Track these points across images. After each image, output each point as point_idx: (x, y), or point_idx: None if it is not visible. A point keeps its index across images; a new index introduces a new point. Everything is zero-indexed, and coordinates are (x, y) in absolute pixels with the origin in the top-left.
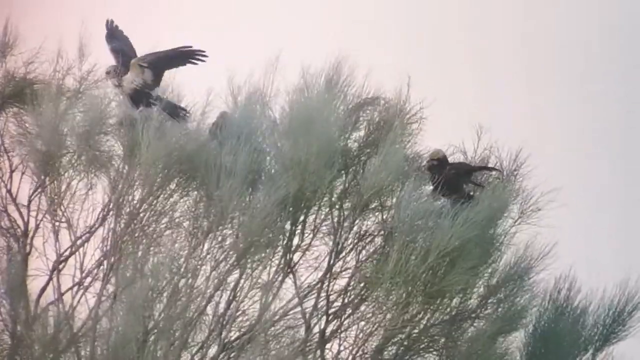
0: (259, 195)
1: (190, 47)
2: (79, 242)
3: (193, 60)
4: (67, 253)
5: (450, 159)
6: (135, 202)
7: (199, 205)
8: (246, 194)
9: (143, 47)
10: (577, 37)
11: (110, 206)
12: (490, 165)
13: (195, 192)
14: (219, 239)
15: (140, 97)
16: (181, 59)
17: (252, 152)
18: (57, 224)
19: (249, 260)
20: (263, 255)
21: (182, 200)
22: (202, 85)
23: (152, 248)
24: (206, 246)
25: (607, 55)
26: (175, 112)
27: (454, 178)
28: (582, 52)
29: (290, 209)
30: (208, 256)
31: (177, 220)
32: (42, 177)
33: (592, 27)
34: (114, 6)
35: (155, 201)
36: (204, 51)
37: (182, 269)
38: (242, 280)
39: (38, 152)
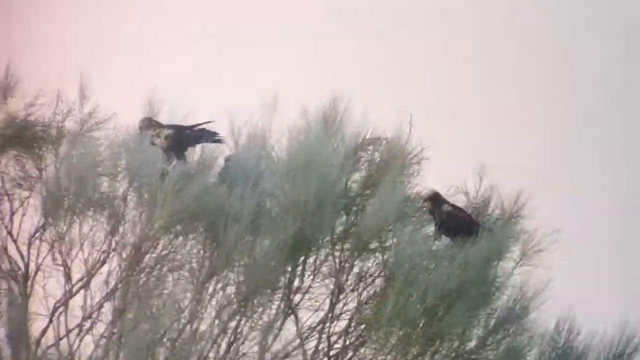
0: (262, 239)
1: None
2: (79, 284)
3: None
4: (67, 295)
5: (452, 200)
6: (141, 247)
7: (204, 249)
8: (250, 238)
9: (145, 86)
10: (579, 79)
11: (112, 248)
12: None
13: (201, 236)
14: (223, 283)
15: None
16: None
17: (258, 197)
18: (62, 265)
19: (250, 303)
20: (265, 297)
21: (187, 243)
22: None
23: (156, 291)
24: (210, 290)
25: (609, 96)
26: (213, 139)
27: (450, 218)
28: (584, 94)
29: (291, 250)
30: (212, 300)
31: (181, 264)
32: (43, 219)
33: (594, 68)
34: (115, 51)
35: (165, 246)
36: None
37: (186, 313)
38: (242, 322)
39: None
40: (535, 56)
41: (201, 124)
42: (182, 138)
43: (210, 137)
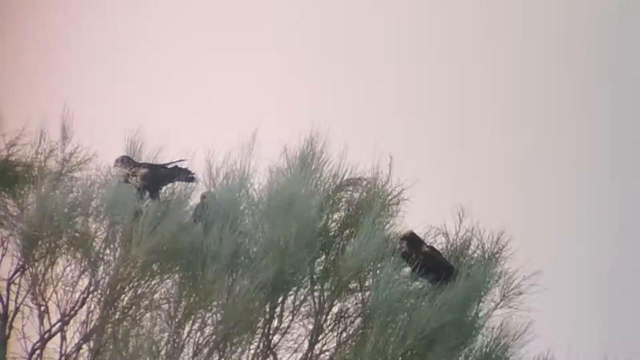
0: (241, 279)
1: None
2: (58, 325)
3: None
4: (46, 336)
5: (431, 241)
6: (119, 286)
7: (182, 288)
8: (229, 278)
9: (125, 125)
10: (562, 116)
11: (91, 289)
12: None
13: (177, 276)
14: (201, 322)
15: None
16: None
17: (236, 236)
18: (38, 306)
19: (228, 344)
20: (244, 338)
21: (164, 283)
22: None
23: (133, 331)
24: (187, 329)
25: (596, 133)
26: (186, 177)
27: (429, 259)
28: (569, 132)
29: (270, 290)
30: (189, 340)
31: (158, 304)
32: (22, 259)
33: (569, 107)
34: (96, 89)
35: (141, 285)
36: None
37: (163, 353)
38: None
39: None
40: (517, 94)
41: (174, 162)
42: (157, 176)
43: (184, 175)
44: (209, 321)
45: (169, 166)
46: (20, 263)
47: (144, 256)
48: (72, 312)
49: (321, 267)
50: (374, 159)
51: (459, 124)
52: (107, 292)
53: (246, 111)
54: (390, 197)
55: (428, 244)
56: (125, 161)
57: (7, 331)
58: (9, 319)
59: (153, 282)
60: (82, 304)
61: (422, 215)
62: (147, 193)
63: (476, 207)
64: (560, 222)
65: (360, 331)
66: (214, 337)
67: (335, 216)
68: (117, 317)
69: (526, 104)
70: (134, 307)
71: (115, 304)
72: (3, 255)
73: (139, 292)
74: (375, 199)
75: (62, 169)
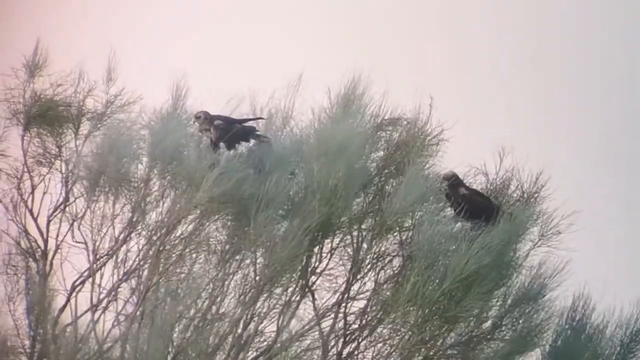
0: (291, 224)
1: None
2: (98, 263)
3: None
4: (87, 274)
5: (470, 181)
6: (173, 227)
7: (232, 232)
8: (280, 222)
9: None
10: (599, 60)
11: (132, 228)
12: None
13: (226, 218)
14: (245, 264)
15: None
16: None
17: (291, 183)
18: (78, 244)
19: (269, 285)
20: (286, 279)
21: (212, 225)
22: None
23: (179, 272)
24: (232, 271)
25: (632, 76)
26: (261, 140)
27: (468, 201)
28: (603, 74)
29: (317, 234)
30: (235, 282)
31: (205, 244)
32: (63, 196)
33: (614, 48)
34: (141, 31)
35: (195, 227)
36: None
37: (210, 294)
38: (260, 302)
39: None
40: (557, 37)
41: (251, 119)
42: (231, 131)
43: (258, 137)
44: (252, 263)
45: (245, 123)
46: (61, 200)
47: (207, 201)
48: (112, 252)
49: (359, 208)
50: (414, 101)
51: (496, 63)
52: (161, 232)
53: (290, 54)
54: (430, 138)
55: (468, 185)
56: (203, 117)
57: (47, 269)
58: (49, 257)
59: (201, 223)
60: (123, 243)
61: (462, 156)
62: (225, 146)
63: (515, 147)
64: (599, 161)
65: (398, 272)
66: (259, 278)
67: (374, 156)
68: (164, 257)
69: (568, 39)
70: (182, 248)
71: (164, 244)
72: (44, 193)
73: (188, 232)
74: (415, 139)
75: (106, 110)
